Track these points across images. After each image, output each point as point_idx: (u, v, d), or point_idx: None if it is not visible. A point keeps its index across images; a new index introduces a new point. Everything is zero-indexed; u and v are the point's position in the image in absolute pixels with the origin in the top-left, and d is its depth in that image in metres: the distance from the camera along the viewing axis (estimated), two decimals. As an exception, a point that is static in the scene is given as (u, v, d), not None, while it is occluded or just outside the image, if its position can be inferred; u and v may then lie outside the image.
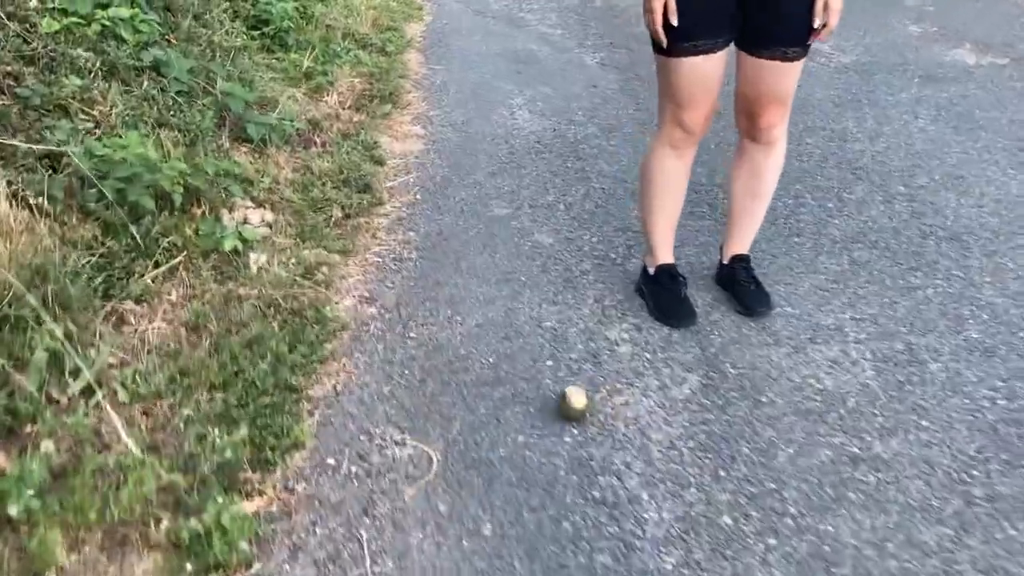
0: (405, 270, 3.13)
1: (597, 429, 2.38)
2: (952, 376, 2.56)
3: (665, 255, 2.89)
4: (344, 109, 4.45)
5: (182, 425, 2.22)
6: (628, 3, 6.87)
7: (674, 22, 2.42)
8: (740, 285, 2.88)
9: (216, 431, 2.18)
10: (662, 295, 2.85)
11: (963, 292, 2.95)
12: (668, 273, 2.87)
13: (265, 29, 4.69)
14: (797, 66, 2.58)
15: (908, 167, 3.90)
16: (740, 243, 2.94)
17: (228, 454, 2.08)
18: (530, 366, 2.63)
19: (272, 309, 2.75)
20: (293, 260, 3.00)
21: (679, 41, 2.49)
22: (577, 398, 2.39)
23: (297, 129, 3.89)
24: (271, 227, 3.21)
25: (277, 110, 3.94)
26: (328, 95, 4.54)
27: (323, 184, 3.54)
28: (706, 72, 2.54)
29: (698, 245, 3.26)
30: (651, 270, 2.91)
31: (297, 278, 2.91)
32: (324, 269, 2.99)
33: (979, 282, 3.01)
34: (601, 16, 6.69)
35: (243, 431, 2.20)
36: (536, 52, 5.82)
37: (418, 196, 3.70)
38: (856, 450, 2.29)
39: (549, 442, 2.33)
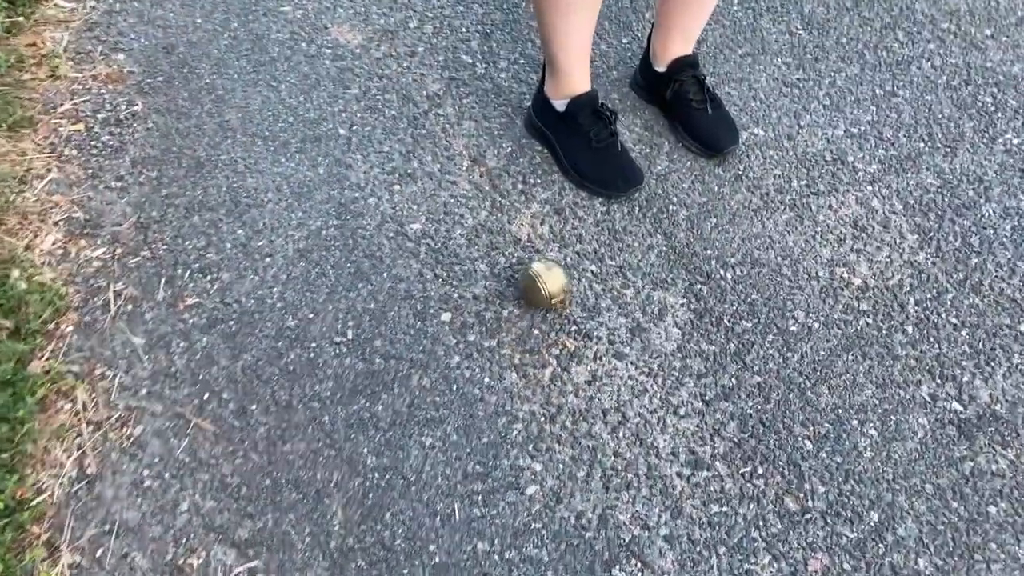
0: (134, 144, 1.80)
1: (569, 448, 1.40)
2: (1022, 225, 1.75)
3: (582, 78, 1.76)
4: None
5: None
6: None
7: None
8: (692, 108, 1.83)
9: None
10: (584, 146, 1.76)
11: (967, 59, 2.08)
12: (589, 108, 1.76)
13: None
14: None
15: None
16: (685, 38, 1.84)
17: None
18: (416, 330, 1.54)
19: (-96, 312, 1.42)
20: (-84, 178, 1.58)
21: None
22: (553, 280, 1.53)
23: None
24: None
25: None
26: None
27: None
28: None
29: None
30: (559, 104, 1.78)
31: (-64, 222, 1.53)
32: (-15, 194, 1.60)
33: (980, 38, 2.13)
34: None
35: None
36: None
37: (109, -29, 2.19)
38: (958, 405, 1.48)
39: (506, 506, 1.34)
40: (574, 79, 1.74)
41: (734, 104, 1.95)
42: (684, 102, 1.84)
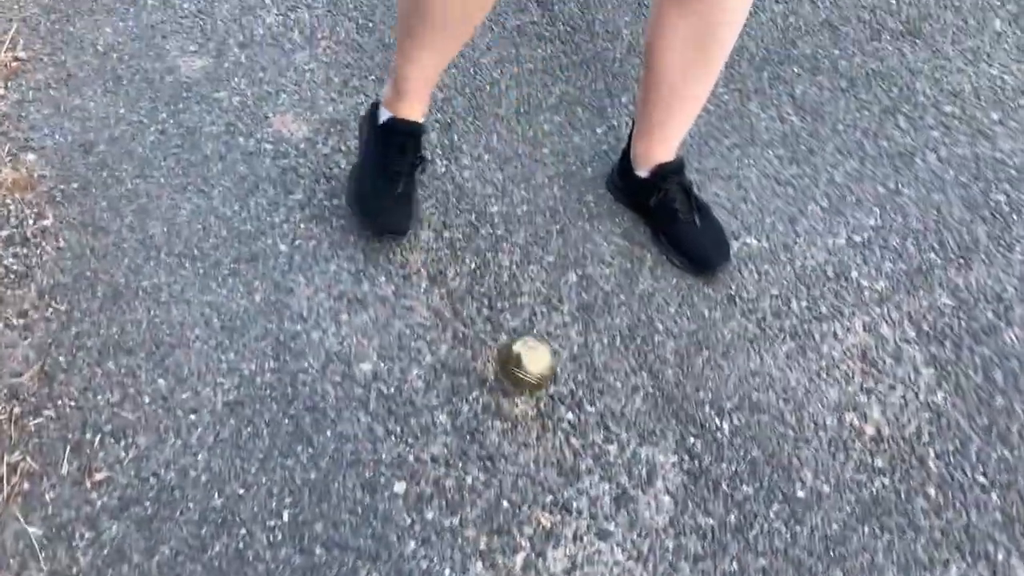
0: (41, 269, 1.57)
1: (544, 658, 1.18)
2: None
3: (417, 105, 1.62)
4: None
5: None
6: None
7: None
8: (679, 220, 1.63)
9: None
10: (374, 170, 1.64)
11: (976, 149, 1.91)
12: (402, 138, 1.62)
13: None
14: None
15: None
16: (667, 143, 1.65)
17: None
18: (364, 507, 1.32)
19: None
20: None
21: None
22: (535, 359, 1.38)
23: None
24: None
25: None
26: None
27: None
28: None
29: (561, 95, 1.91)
30: (382, 115, 1.63)
31: None
32: None
33: (987, 124, 1.96)
34: None
35: None
36: None
37: (24, 50, 1.95)
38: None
39: None
40: (409, 102, 1.60)
41: (723, 207, 1.74)
42: (670, 213, 1.64)
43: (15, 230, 1.63)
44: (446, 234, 1.68)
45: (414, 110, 1.62)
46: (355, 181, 1.66)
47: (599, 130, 1.90)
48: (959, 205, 1.79)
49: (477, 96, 1.93)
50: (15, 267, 1.57)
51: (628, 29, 2.10)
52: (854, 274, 1.66)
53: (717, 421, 1.45)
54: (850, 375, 1.52)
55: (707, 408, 1.47)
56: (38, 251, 1.60)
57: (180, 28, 2.04)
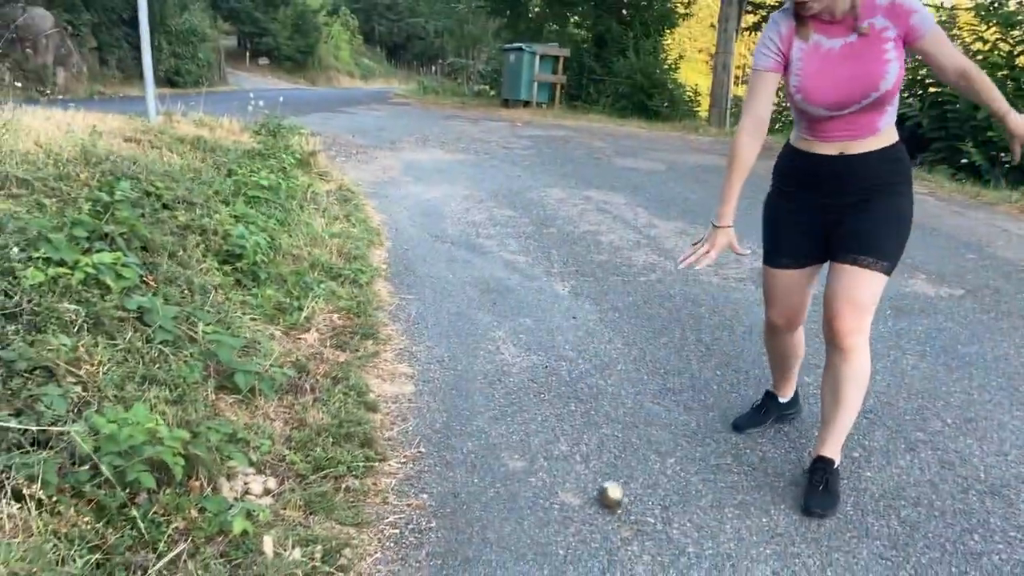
0: (428, 544, 2.81)
1: None
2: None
3: (778, 383, 3.51)
4: (326, 347, 4.21)
5: None
6: (583, 229, 7.01)
7: (740, 251, 2.97)
8: (811, 484, 2.94)
9: None
10: (754, 407, 3.57)
11: (1027, 558, 2.79)
12: (766, 402, 3.54)
13: (238, 264, 4.49)
14: (874, 277, 2.78)
15: (916, 409, 3.84)
16: (826, 445, 3.00)
17: None
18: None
19: (296, 609, 2.38)
20: (307, 539, 2.65)
21: (770, 255, 3.14)
22: (614, 491, 2.99)
23: (285, 375, 3.61)
24: (275, 498, 2.87)
25: (264, 356, 3.67)
26: (307, 332, 4.30)
27: (324, 440, 3.23)
28: (788, 283, 3.12)
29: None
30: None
31: (316, 563, 2.55)
32: (347, 552, 2.64)
33: None
34: (559, 243, 6.76)
35: None
36: (505, 280, 5.77)
37: (422, 448, 3.43)
38: None
39: None
40: (775, 379, 3.47)
41: (839, 564, 2.75)
42: (811, 479, 2.97)
43: (413, 525, 2.93)
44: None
45: (778, 386, 3.48)
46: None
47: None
48: (1008, 582, 2.69)
49: (666, 498, 3.14)
50: (414, 542, 2.85)
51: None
52: (925, 607, 2.57)
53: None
54: None
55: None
56: (425, 535, 2.88)
57: (507, 447, 3.47)
